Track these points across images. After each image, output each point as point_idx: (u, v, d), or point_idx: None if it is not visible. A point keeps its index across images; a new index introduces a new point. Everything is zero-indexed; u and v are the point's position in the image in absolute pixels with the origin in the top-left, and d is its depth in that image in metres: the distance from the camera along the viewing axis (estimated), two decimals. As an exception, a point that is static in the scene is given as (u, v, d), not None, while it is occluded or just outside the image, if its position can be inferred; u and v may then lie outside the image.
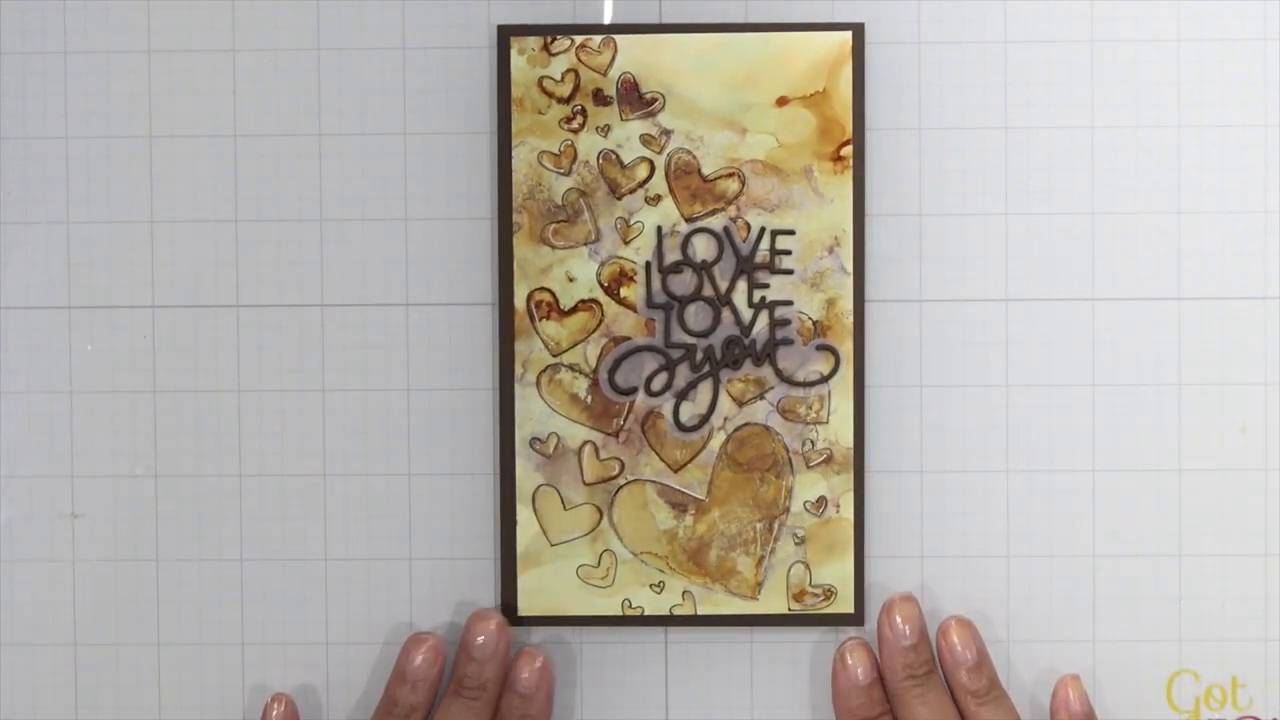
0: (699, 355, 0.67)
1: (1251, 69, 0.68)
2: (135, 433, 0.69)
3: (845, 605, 0.67)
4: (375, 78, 0.69)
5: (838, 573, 0.67)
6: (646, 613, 0.67)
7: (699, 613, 0.67)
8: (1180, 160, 0.68)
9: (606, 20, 0.68)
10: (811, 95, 0.66)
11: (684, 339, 0.67)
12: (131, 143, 0.69)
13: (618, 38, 0.67)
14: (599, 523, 0.67)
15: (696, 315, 0.67)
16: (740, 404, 0.67)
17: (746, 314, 0.67)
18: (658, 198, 0.67)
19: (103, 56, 0.69)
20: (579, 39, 0.67)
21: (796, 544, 0.67)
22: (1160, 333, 0.68)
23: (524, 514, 0.67)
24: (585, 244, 0.67)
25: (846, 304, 0.66)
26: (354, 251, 0.69)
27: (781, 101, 0.66)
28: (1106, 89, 0.68)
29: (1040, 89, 0.68)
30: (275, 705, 0.68)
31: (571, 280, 0.67)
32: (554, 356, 0.67)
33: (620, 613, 0.67)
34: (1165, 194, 0.68)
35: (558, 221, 0.67)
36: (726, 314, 0.67)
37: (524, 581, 0.67)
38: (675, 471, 0.67)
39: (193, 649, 0.69)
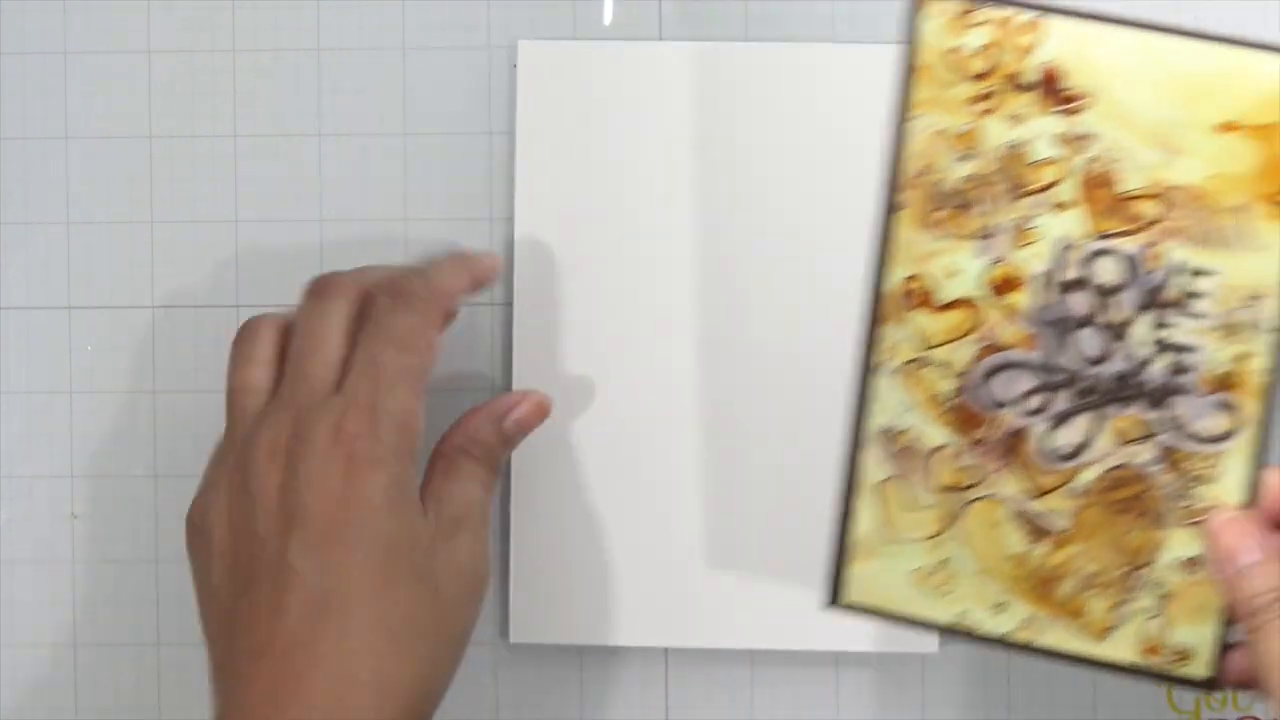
0: (1085, 384, 0.61)
1: (1253, 69, 0.67)
2: (135, 433, 0.69)
3: (1199, 669, 0.61)
4: (375, 78, 0.69)
5: (1198, 635, 0.61)
6: (986, 630, 0.62)
7: (1042, 643, 0.62)
8: (1181, 160, 0.68)
9: (607, 21, 0.68)
10: (1264, 126, 0.58)
11: (1070, 363, 0.61)
12: (131, 143, 0.69)
13: (1047, 20, 0.59)
14: (944, 529, 0.62)
15: (1088, 341, 0.61)
16: (1122, 443, 0.61)
17: (1144, 351, 0.60)
18: (1064, 205, 0.60)
19: (103, 56, 0.69)
20: (1004, 12, 0.60)
21: (1159, 599, 0.62)
22: (1161, 333, 0.68)
23: (866, 503, 0.62)
24: (975, 239, 0.61)
25: (1260, 362, 0.60)
26: (354, 252, 0.69)
27: (1227, 127, 0.59)
28: (1107, 89, 0.68)
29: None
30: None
31: (953, 275, 0.61)
32: (924, 350, 0.62)
33: (955, 622, 0.62)
34: (1166, 194, 0.68)
35: (949, 208, 0.61)
36: (1121, 347, 0.61)
37: (855, 569, 0.62)
38: (1037, 496, 0.62)
39: (193, 649, 0.69)
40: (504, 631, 0.68)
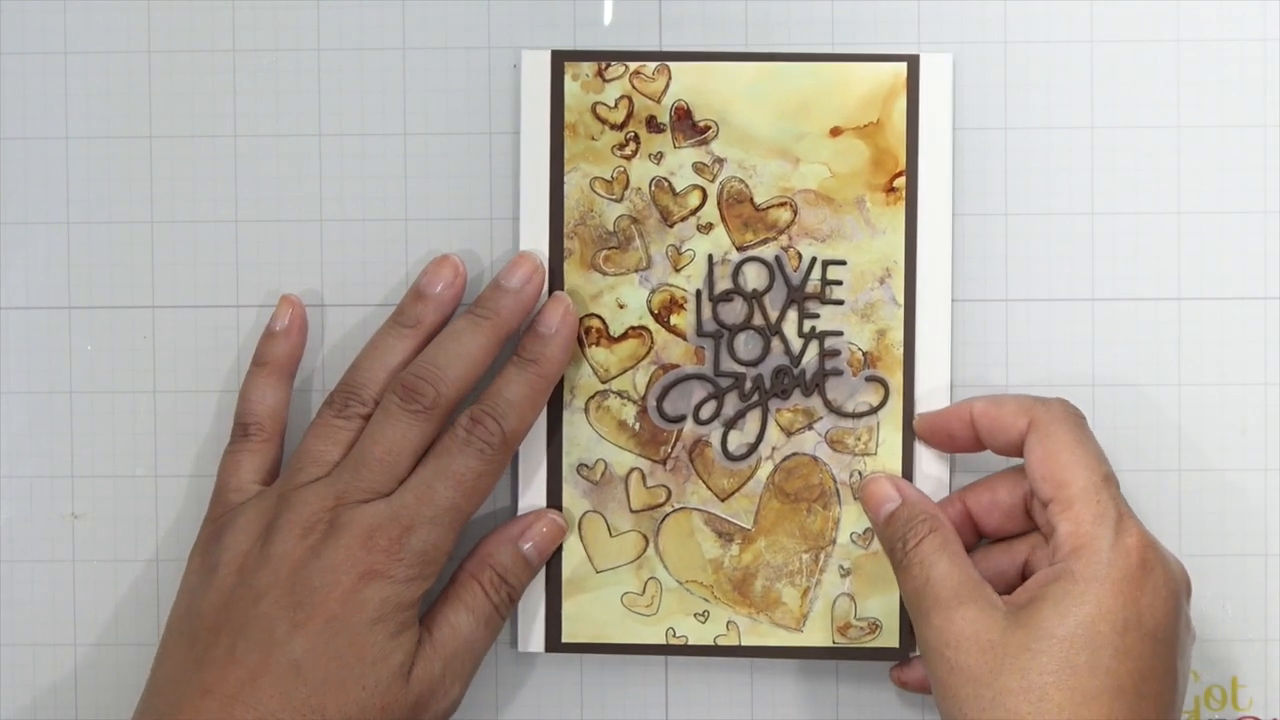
0: (748, 384, 0.66)
1: (1251, 69, 0.68)
2: (135, 433, 0.69)
3: (890, 639, 0.66)
4: (375, 78, 0.69)
5: (883, 606, 0.66)
6: (690, 642, 0.66)
7: (743, 643, 0.66)
8: (1180, 160, 0.68)
9: (607, 21, 0.68)
10: (865, 126, 0.65)
11: (733, 368, 0.66)
12: (131, 143, 0.69)
13: (672, 65, 0.66)
14: (645, 550, 0.66)
15: (746, 344, 0.66)
16: (789, 434, 0.66)
17: (796, 344, 0.66)
18: (709, 226, 0.66)
19: (103, 56, 0.69)
20: (633, 65, 0.66)
21: (842, 576, 0.66)
22: (1160, 333, 0.68)
23: (570, 540, 0.66)
24: (636, 271, 0.66)
25: (897, 335, 0.65)
26: (354, 252, 0.69)
27: (835, 132, 0.65)
28: (1106, 89, 0.68)
29: (1039, 90, 0.68)
30: (285, 307, 0.67)
31: (622, 307, 0.66)
32: (603, 383, 0.66)
33: (664, 641, 0.66)
34: (1165, 194, 0.68)
35: (609, 248, 0.66)
36: (776, 343, 0.66)
37: (568, 608, 0.66)
38: (722, 500, 0.66)
39: (193, 649, 0.69)
40: (510, 639, 0.68)
